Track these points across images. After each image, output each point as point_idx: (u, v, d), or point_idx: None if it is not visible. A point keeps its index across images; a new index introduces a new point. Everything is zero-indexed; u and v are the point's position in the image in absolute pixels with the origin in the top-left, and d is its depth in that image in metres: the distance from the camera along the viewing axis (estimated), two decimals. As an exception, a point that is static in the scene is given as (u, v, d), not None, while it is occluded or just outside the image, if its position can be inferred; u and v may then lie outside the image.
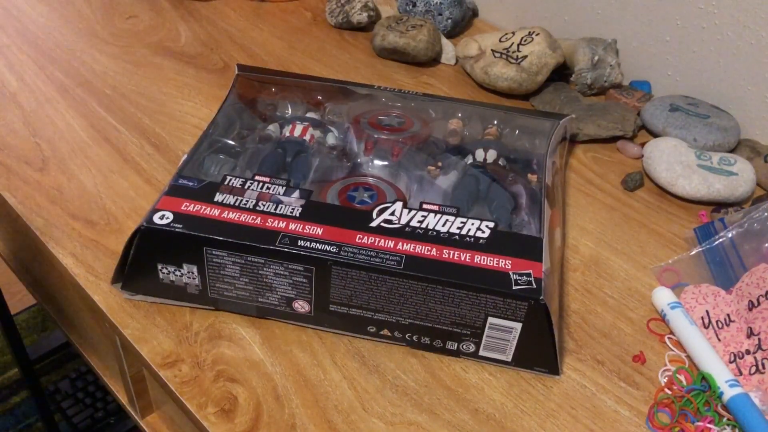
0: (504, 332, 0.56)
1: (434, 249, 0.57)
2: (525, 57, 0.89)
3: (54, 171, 0.75)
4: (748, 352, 0.60)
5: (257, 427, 0.54)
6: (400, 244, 0.57)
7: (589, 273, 0.69)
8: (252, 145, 0.69)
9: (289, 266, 0.57)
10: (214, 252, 0.58)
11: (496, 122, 0.74)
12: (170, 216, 0.58)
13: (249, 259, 0.57)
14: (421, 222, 0.59)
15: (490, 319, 0.56)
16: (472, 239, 0.58)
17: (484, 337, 0.57)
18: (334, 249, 0.56)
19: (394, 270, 0.55)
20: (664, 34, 0.91)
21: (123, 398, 0.87)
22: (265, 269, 0.58)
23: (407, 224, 0.59)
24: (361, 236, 0.58)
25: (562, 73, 0.93)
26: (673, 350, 0.62)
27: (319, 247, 0.56)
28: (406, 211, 0.60)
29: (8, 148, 0.78)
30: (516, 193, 0.64)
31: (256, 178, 0.63)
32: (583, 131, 0.84)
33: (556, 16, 1.01)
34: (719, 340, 0.62)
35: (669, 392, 0.58)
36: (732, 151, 0.83)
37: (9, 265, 0.97)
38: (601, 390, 0.59)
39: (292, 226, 0.58)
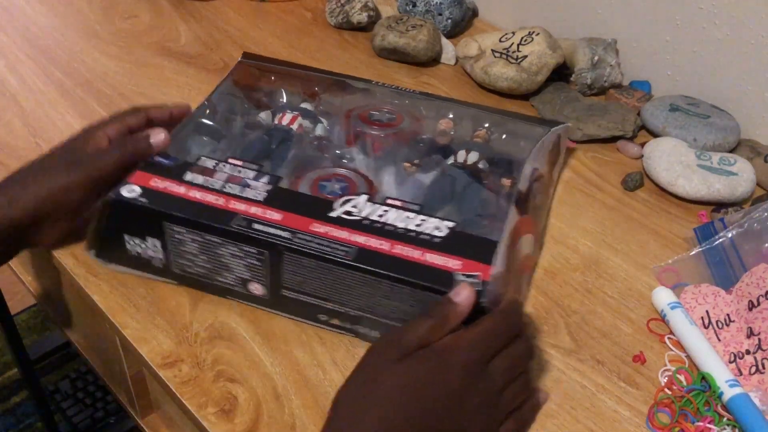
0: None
1: (387, 243, 0.57)
2: (525, 57, 0.89)
3: (54, 171, 0.74)
4: (748, 352, 0.60)
5: (257, 427, 0.54)
6: (355, 236, 0.57)
7: (589, 273, 0.69)
8: (237, 130, 0.70)
9: (244, 248, 0.58)
10: (174, 228, 0.59)
11: (487, 125, 0.73)
12: (138, 190, 0.60)
13: (206, 237, 0.58)
14: (381, 216, 0.59)
15: None
16: (428, 237, 0.58)
17: None
18: (287, 235, 0.57)
19: (342, 260, 0.55)
20: (664, 34, 0.91)
21: (123, 398, 0.87)
22: (221, 249, 0.58)
23: (366, 217, 0.59)
24: (318, 225, 0.58)
25: (562, 73, 0.93)
26: (673, 350, 0.62)
27: (273, 232, 0.57)
28: (369, 204, 0.60)
29: (8, 148, 0.78)
30: (488, 196, 0.64)
31: (230, 161, 0.64)
32: (583, 131, 0.84)
33: (556, 16, 1.01)
34: (719, 340, 0.62)
35: (669, 392, 0.58)
36: (732, 151, 0.83)
37: (9, 265, 0.96)
38: (601, 390, 0.59)
39: (252, 210, 0.59)
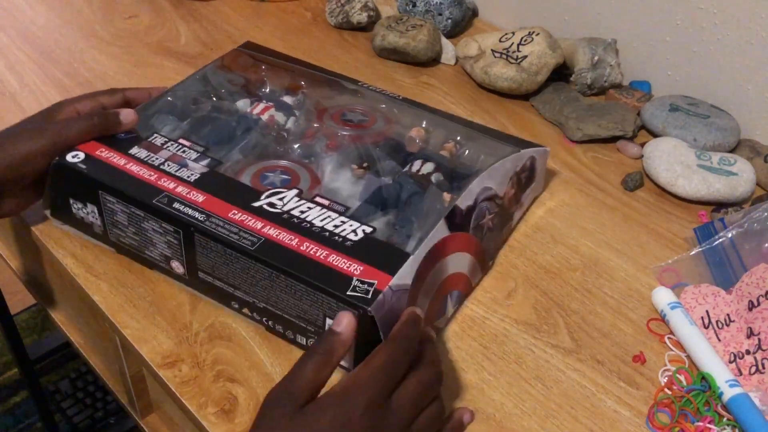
0: None
1: (296, 239, 0.56)
2: (525, 57, 0.89)
3: (54, 171, 0.75)
4: (748, 352, 0.60)
5: (257, 427, 0.54)
6: (268, 227, 0.57)
7: (589, 273, 0.69)
8: (204, 113, 0.71)
9: (162, 225, 0.59)
10: (107, 197, 0.60)
11: (459, 138, 0.71)
12: (82, 156, 0.62)
13: (132, 210, 0.60)
14: (302, 213, 0.59)
15: (329, 321, 0.54)
16: (340, 239, 0.57)
17: None
18: (201, 217, 0.57)
19: (245, 249, 0.55)
20: (664, 34, 0.91)
21: (123, 398, 0.87)
22: (145, 223, 0.60)
23: (287, 211, 0.59)
24: (237, 212, 0.58)
25: (562, 73, 0.93)
26: (673, 350, 0.62)
27: (190, 213, 0.58)
28: (296, 199, 0.60)
29: (8, 148, 0.77)
30: (428, 208, 0.62)
31: (180, 140, 0.65)
32: (583, 131, 0.84)
33: (556, 16, 1.01)
34: (719, 340, 0.62)
35: (669, 392, 0.58)
36: (732, 151, 0.83)
37: (9, 265, 0.96)
38: (601, 390, 0.59)
39: (179, 189, 0.60)
